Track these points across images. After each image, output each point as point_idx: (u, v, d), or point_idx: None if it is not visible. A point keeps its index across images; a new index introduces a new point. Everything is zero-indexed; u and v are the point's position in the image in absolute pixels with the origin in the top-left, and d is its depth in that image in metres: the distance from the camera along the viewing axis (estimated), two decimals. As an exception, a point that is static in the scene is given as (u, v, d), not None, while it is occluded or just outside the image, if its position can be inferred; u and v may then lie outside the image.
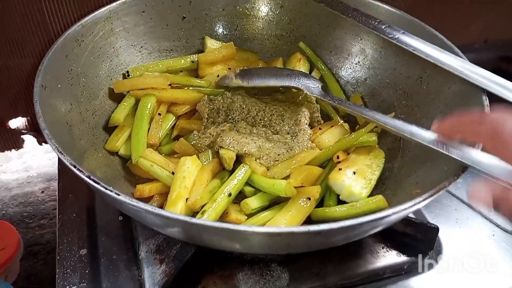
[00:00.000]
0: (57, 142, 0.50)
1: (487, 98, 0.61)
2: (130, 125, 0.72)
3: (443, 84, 0.68)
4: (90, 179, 0.45)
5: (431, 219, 0.72)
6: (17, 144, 0.95)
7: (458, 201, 0.76)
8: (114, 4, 0.75)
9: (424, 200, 0.48)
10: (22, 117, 0.92)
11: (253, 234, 0.43)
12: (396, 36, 0.68)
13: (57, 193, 0.75)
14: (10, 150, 0.96)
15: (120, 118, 0.72)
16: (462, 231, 0.72)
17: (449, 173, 0.52)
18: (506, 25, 1.16)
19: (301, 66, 0.83)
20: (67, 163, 0.47)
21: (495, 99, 0.61)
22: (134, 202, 0.44)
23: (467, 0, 1.08)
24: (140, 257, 0.64)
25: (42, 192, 0.93)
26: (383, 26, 0.70)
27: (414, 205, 0.47)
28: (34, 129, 0.94)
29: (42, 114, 0.54)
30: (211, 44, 0.84)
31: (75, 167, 0.47)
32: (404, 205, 0.46)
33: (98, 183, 0.45)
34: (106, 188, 0.44)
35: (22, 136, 0.95)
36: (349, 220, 0.43)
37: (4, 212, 0.88)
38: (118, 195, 0.44)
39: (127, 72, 0.77)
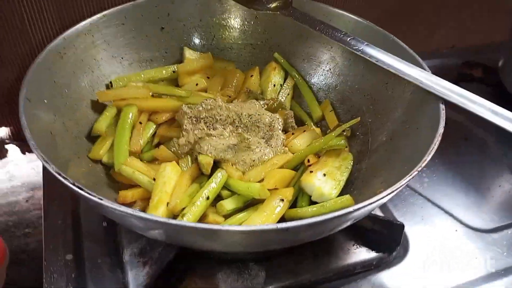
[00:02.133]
0: (42, 151, 0.53)
1: (443, 105, 0.65)
2: (112, 134, 0.75)
3: (405, 91, 0.73)
4: (75, 185, 0.48)
5: (398, 217, 0.76)
6: (0, 153, 0.96)
7: (424, 199, 0.81)
8: (94, 17, 0.77)
9: (382, 198, 0.52)
10: (5, 127, 0.93)
11: (226, 233, 0.47)
12: (360, 48, 0.73)
13: (42, 200, 0.77)
14: (-7, 160, 0.96)
15: (102, 128, 0.74)
16: (428, 228, 0.76)
17: (408, 172, 0.56)
18: (470, 32, 1.21)
19: (276, 74, 0.87)
20: (53, 172, 0.50)
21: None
22: (118, 207, 0.47)
23: (433, 9, 1.13)
24: (124, 260, 0.67)
25: (27, 201, 0.94)
26: (348, 39, 0.75)
27: (374, 202, 0.51)
28: (17, 138, 0.95)
29: (27, 125, 0.56)
30: (190, 54, 0.87)
31: (60, 175, 0.49)
32: (364, 202, 0.50)
33: (82, 190, 0.48)
34: (90, 194, 0.47)
35: (5, 146, 0.96)
36: (314, 218, 0.47)
37: (-12, 222, 0.89)
38: (101, 200, 0.47)
39: (110, 82, 0.80)
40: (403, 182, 0.54)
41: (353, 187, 0.71)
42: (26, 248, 0.86)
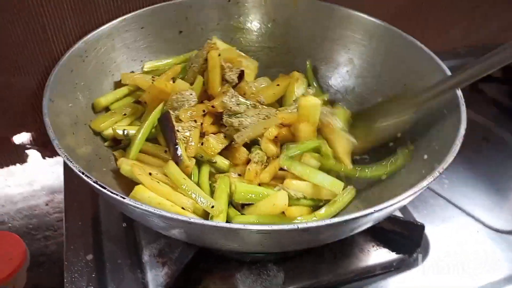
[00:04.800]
0: (66, 151, 0.54)
1: (464, 106, 0.65)
2: (119, 112, 0.75)
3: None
4: (97, 184, 0.49)
5: (419, 218, 0.75)
6: (21, 158, 0.98)
7: (444, 201, 0.80)
8: (115, 21, 0.79)
9: (403, 199, 0.51)
10: (26, 132, 0.95)
11: (245, 232, 0.47)
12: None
13: (62, 203, 0.78)
14: (15, 165, 0.98)
15: (102, 102, 0.75)
16: (448, 229, 0.76)
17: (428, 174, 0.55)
18: (484, 31, 1.20)
19: (300, 85, 0.85)
20: (76, 170, 0.51)
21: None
22: (140, 205, 0.47)
23: (446, 7, 1.12)
24: (143, 261, 0.67)
25: (47, 204, 0.95)
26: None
27: (395, 203, 0.50)
28: (37, 144, 0.97)
29: (51, 125, 0.57)
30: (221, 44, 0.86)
31: (83, 173, 0.50)
32: (386, 203, 0.49)
33: (105, 188, 0.49)
34: (112, 192, 0.48)
35: (26, 151, 0.98)
36: (336, 218, 0.46)
37: (10, 225, 0.91)
38: (124, 198, 0.48)
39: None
40: (425, 183, 0.53)
41: (372, 189, 0.71)
42: (46, 251, 0.87)
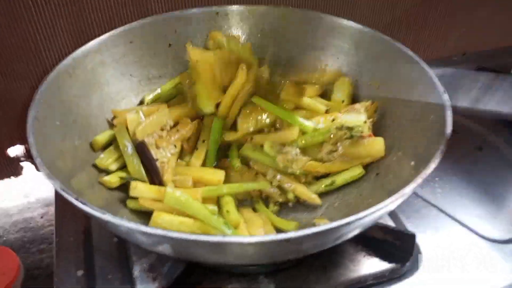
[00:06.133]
0: (49, 168, 0.54)
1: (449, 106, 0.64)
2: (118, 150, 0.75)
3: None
4: (77, 200, 0.49)
5: (411, 228, 0.74)
6: (16, 171, 0.98)
7: (437, 210, 0.79)
8: (103, 36, 0.79)
9: (386, 206, 0.51)
10: (20, 144, 0.95)
11: (227, 245, 0.47)
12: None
13: (54, 217, 0.78)
14: (10, 177, 0.98)
15: (100, 142, 0.74)
16: (442, 239, 0.74)
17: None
18: (481, 38, 1.20)
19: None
20: (56, 187, 0.51)
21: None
22: (119, 221, 0.47)
23: (442, 14, 1.12)
24: (134, 276, 0.66)
25: (42, 217, 0.96)
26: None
27: (378, 210, 0.50)
28: (32, 156, 0.98)
29: (35, 144, 0.57)
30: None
31: (64, 190, 0.50)
32: (369, 210, 0.49)
33: (85, 204, 0.48)
34: (92, 208, 0.48)
35: (20, 164, 0.98)
36: (319, 227, 0.46)
37: (5, 238, 0.91)
38: (104, 214, 0.47)
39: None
40: (407, 189, 0.53)
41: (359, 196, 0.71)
42: (41, 264, 0.87)
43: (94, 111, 0.77)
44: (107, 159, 0.73)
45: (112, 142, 0.76)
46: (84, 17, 0.83)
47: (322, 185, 0.73)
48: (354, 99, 0.83)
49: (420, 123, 0.69)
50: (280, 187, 0.74)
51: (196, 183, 0.72)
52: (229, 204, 0.69)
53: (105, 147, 0.76)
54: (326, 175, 0.74)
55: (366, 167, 0.74)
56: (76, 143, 0.71)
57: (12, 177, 0.99)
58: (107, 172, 0.73)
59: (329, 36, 0.85)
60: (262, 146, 0.74)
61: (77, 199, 0.49)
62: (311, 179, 0.74)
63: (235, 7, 0.88)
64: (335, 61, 0.86)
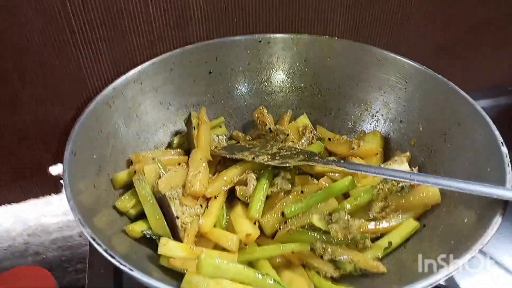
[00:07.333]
0: (80, 212, 0.53)
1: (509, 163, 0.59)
2: None
3: (465, 143, 0.67)
4: (106, 252, 0.48)
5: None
6: (57, 189, 0.99)
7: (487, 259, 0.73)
8: (144, 64, 0.79)
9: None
10: (61, 163, 0.97)
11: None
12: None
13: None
14: (50, 195, 0.99)
15: (121, 181, 0.71)
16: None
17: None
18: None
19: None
20: (88, 236, 0.50)
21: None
22: (148, 279, 0.46)
23: (488, 47, 1.05)
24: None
25: (80, 236, 0.97)
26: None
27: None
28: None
29: (69, 182, 0.57)
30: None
31: (94, 240, 0.49)
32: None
33: (114, 257, 0.47)
34: (120, 263, 0.47)
35: (61, 181, 0.98)
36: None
37: (44, 256, 0.92)
38: (132, 270, 0.46)
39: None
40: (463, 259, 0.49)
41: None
42: (77, 284, 0.88)
43: (130, 142, 0.76)
44: (127, 203, 0.69)
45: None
46: (126, 40, 0.82)
47: (381, 249, 0.64)
48: (398, 138, 0.80)
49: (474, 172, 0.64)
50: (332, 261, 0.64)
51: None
52: (265, 267, 0.63)
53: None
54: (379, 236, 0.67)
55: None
56: (110, 176, 0.70)
57: (52, 194, 1.01)
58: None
59: (375, 69, 0.81)
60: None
61: (106, 251, 0.48)
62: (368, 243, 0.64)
63: (279, 36, 0.86)
64: (381, 95, 0.82)
